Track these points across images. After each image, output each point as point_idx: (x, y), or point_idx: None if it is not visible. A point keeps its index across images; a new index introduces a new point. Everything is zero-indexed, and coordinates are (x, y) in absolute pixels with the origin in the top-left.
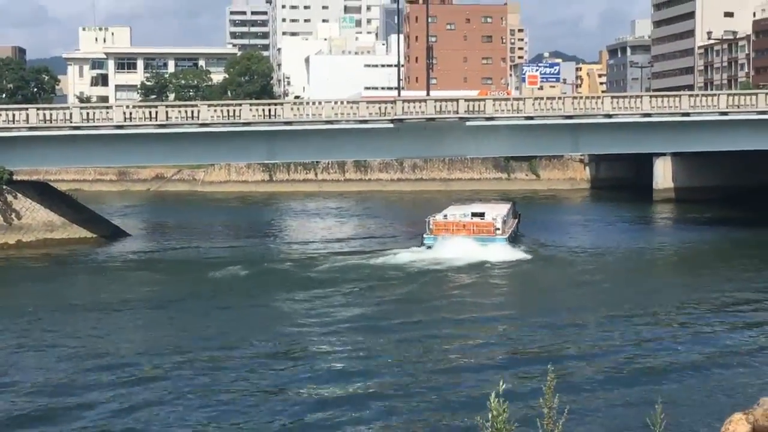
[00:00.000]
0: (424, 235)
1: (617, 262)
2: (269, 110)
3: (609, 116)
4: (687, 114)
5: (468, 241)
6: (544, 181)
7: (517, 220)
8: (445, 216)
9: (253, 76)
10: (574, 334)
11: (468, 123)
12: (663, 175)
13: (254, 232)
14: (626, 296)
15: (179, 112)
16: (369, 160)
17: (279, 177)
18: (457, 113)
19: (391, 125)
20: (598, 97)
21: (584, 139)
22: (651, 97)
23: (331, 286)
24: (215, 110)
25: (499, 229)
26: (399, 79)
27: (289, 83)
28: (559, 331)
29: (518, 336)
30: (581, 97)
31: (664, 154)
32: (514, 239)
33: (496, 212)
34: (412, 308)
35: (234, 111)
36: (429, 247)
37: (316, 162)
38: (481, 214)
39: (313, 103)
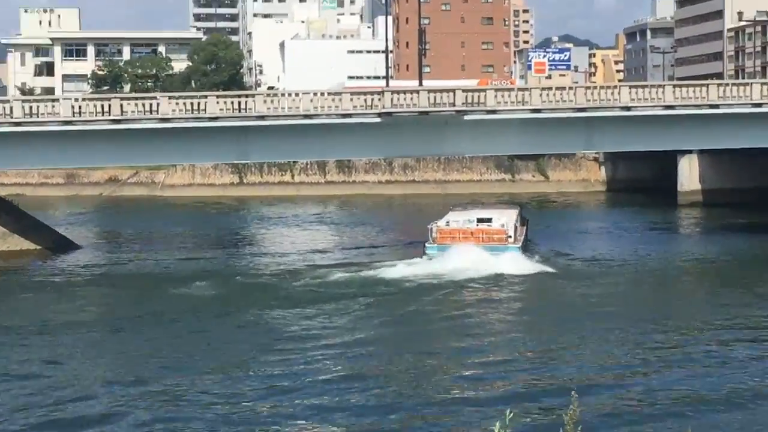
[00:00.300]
0: (426, 245)
1: (641, 276)
2: (239, 103)
3: (627, 108)
4: (716, 106)
5: (477, 250)
6: (553, 182)
7: (525, 227)
8: (448, 222)
9: (221, 64)
10: (599, 361)
11: (466, 117)
12: (689, 175)
13: (222, 242)
14: (653, 317)
15: (136, 105)
16: (353, 160)
17: (251, 179)
18: (454, 106)
19: (379, 120)
20: (615, 87)
21: (599, 135)
22: (674, 86)
23: (313, 305)
24: (177, 103)
25: (511, 236)
26: (387, 67)
27: (261, 72)
28: (581, 356)
29: (537, 361)
30: (595, 87)
31: (689, 152)
32: (525, 248)
33: (505, 218)
34: (414, 333)
35: (199, 104)
36: (431, 258)
37: (293, 162)
38: (489, 220)
39: (289, 95)
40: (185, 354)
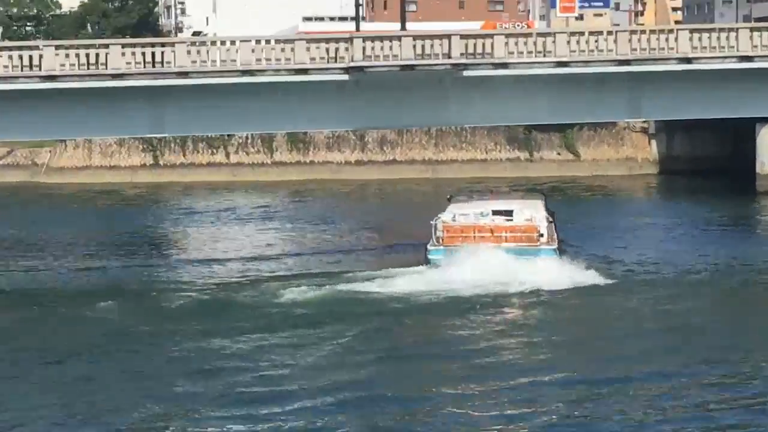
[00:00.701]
0: (429, 247)
1: (715, 288)
2: (153, 54)
3: (687, 61)
4: None
5: (500, 254)
6: (586, 162)
7: (553, 223)
8: (455, 217)
9: (127, 2)
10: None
11: (466, 73)
12: None
13: (132, 247)
14: (732, 351)
15: (11, 57)
16: (312, 133)
17: (169, 160)
18: (449, 58)
19: (346, 77)
20: (670, 32)
21: (649, 98)
22: (752, 29)
23: (266, 333)
24: (67, 55)
25: (543, 234)
26: (357, 5)
27: (183, 12)
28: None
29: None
30: (643, 32)
31: None
32: (561, 251)
33: (530, 210)
34: (411, 379)
35: (97, 56)
36: (437, 266)
37: (228, 137)
38: (509, 213)
39: (222, 44)
40: (87, 399)
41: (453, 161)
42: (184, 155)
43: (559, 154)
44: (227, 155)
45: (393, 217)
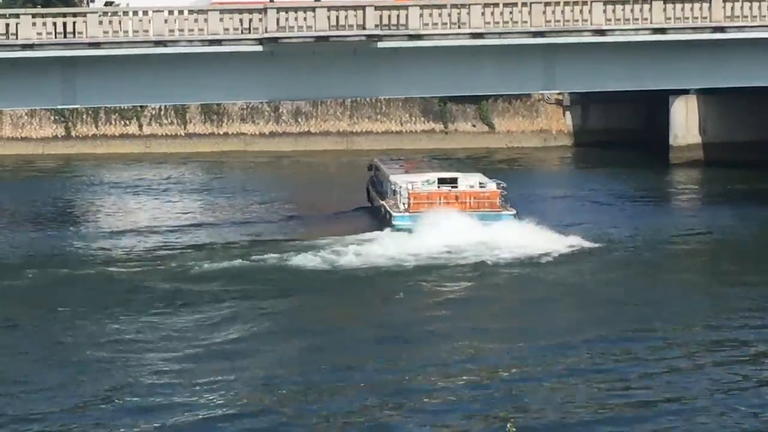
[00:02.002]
0: (394, 214)
1: (622, 263)
2: (64, 24)
3: (601, 32)
4: (721, 29)
5: (467, 218)
6: (501, 134)
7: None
8: (412, 184)
9: None
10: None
11: (381, 44)
12: (685, 124)
13: (44, 219)
14: (637, 321)
15: None
16: (225, 105)
17: (81, 131)
18: (364, 29)
19: (260, 48)
20: (584, 3)
21: (563, 70)
22: (665, 2)
23: (193, 308)
24: None
25: (506, 201)
26: None
27: None
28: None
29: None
30: (557, 4)
31: (686, 92)
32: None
33: (476, 179)
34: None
35: (7, 26)
36: (409, 231)
37: (141, 108)
38: (454, 181)
39: (135, 14)
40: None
41: (368, 133)
42: (96, 127)
43: (473, 125)
44: (140, 127)
45: (313, 188)
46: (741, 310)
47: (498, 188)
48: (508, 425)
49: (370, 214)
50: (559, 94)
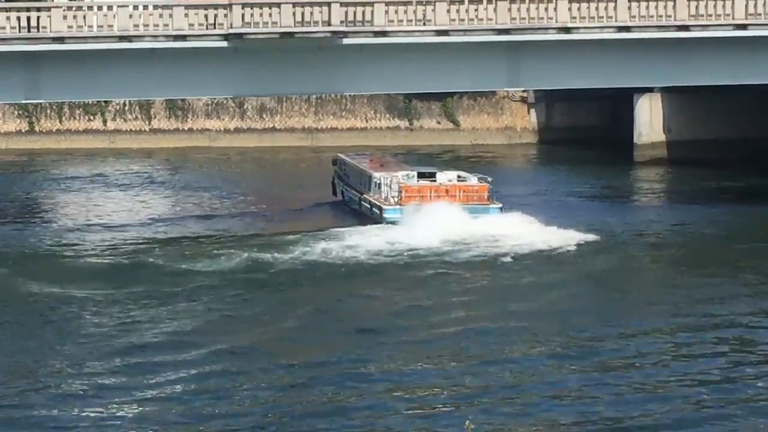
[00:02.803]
0: (384, 207)
1: (584, 262)
2: (27, 19)
3: (566, 30)
4: (686, 27)
5: (459, 211)
6: (465, 131)
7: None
8: (395, 180)
9: None
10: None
11: (346, 40)
12: (649, 122)
13: (7, 213)
14: (598, 320)
15: None
16: (190, 100)
17: (45, 126)
18: (329, 25)
19: (225, 43)
20: (549, 1)
21: (528, 67)
22: (630, 0)
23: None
24: None
25: (491, 195)
26: None
27: None
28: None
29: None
30: (523, 2)
31: (650, 90)
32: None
33: (452, 173)
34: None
35: None
36: (392, 222)
37: (106, 103)
38: (432, 176)
39: (99, 9)
40: None
41: (333, 129)
42: (60, 122)
43: (438, 122)
44: (104, 122)
45: (281, 183)
46: (706, 302)
47: (485, 182)
48: (466, 422)
49: (342, 208)
50: (524, 91)
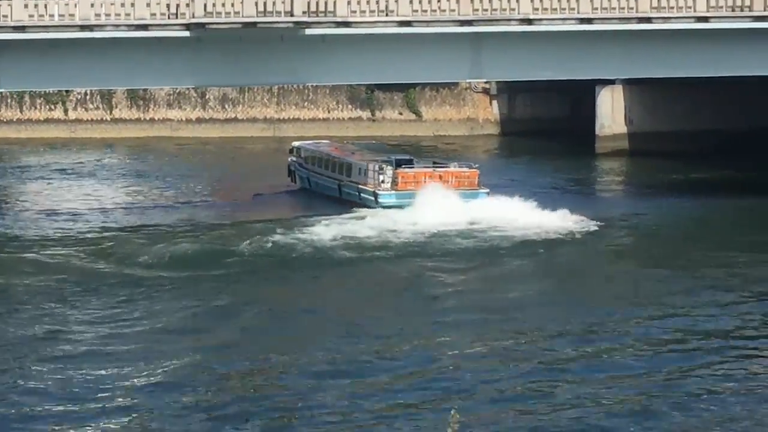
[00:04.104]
0: (379, 192)
1: (541, 254)
2: None
3: (528, 22)
4: (648, 19)
5: (454, 195)
6: (428, 122)
7: None
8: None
9: None
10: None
11: (309, 31)
12: (611, 114)
13: None
14: (559, 316)
15: None
16: (152, 90)
17: (5, 116)
18: (292, 15)
19: (187, 33)
20: None
21: (490, 59)
22: None
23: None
24: None
25: (480, 181)
26: None
27: None
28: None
29: None
30: None
31: (612, 82)
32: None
33: (428, 162)
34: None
35: None
36: (387, 207)
37: (67, 92)
38: (410, 162)
39: None
40: None
41: (295, 120)
42: (21, 111)
43: (401, 113)
44: (65, 111)
45: (245, 173)
46: (669, 293)
47: (475, 169)
48: (452, 411)
49: (308, 194)
50: (486, 83)
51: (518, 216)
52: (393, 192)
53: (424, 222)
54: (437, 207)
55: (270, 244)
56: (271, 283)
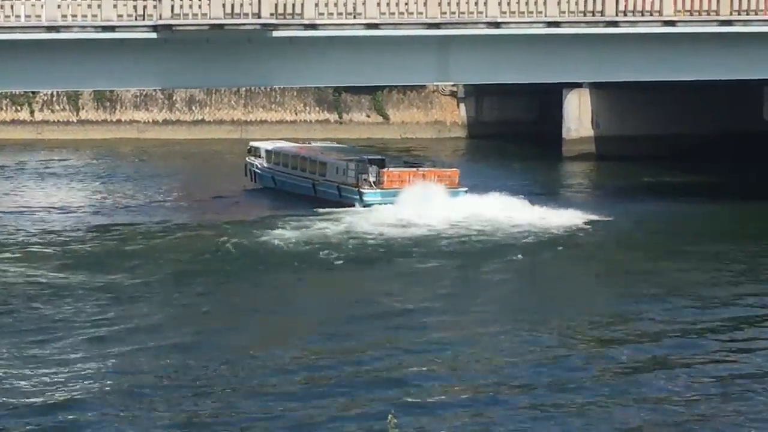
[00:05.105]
0: (363, 191)
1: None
2: None
3: (496, 25)
4: (614, 23)
5: (441, 191)
6: (395, 125)
7: None
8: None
9: None
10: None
11: (276, 33)
12: (578, 117)
13: None
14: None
15: None
16: (119, 92)
17: None
18: (259, 17)
19: (154, 35)
20: None
21: (457, 62)
22: None
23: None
24: None
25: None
26: None
27: None
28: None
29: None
30: None
31: (579, 86)
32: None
33: (399, 161)
34: None
35: None
36: (370, 205)
37: (33, 94)
38: (382, 162)
39: None
40: None
41: (262, 122)
42: None
43: (368, 116)
44: (32, 113)
45: (212, 174)
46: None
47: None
48: (389, 416)
49: (274, 194)
50: (453, 85)
51: (521, 211)
52: (378, 190)
53: (411, 218)
54: (425, 203)
55: (250, 243)
56: (285, 277)
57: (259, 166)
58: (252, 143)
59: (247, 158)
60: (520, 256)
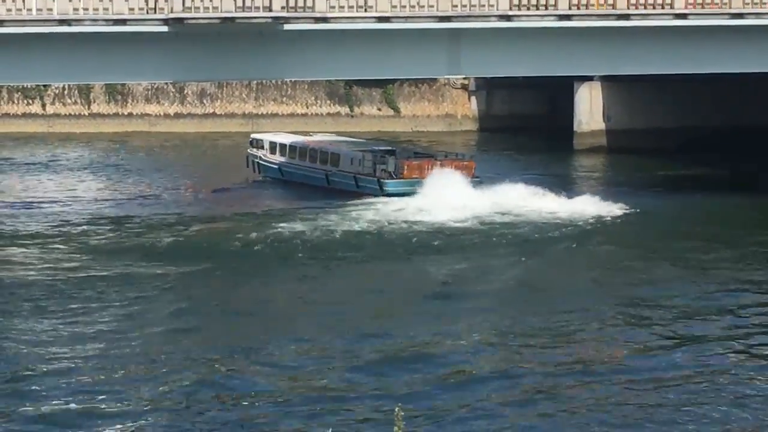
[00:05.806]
0: (383, 181)
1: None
2: None
3: (507, 18)
4: (626, 16)
5: (464, 181)
6: (406, 118)
7: None
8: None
9: None
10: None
11: (287, 26)
12: (589, 110)
13: None
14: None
15: None
16: (130, 85)
17: None
18: (270, 10)
19: (166, 28)
20: None
21: (468, 55)
22: None
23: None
24: None
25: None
26: None
27: None
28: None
29: None
30: None
31: (590, 79)
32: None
33: (409, 152)
34: None
35: None
36: (392, 195)
37: (45, 87)
38: (392, 153)
39: None
40: None
41: (273, 115)
42: None
43: (379, 109)
44: (43, 106)
45: (223, 167)
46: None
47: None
48: (396, 409)
49: (285, 185)
50: (464, 79)
51: (535, 202)
52: (399, 180)
53: (437, 208)
54: (449, 193)
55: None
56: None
57: (263, 157)
58: (253, 135)
59: (249, 150)
60: (574, 245)
